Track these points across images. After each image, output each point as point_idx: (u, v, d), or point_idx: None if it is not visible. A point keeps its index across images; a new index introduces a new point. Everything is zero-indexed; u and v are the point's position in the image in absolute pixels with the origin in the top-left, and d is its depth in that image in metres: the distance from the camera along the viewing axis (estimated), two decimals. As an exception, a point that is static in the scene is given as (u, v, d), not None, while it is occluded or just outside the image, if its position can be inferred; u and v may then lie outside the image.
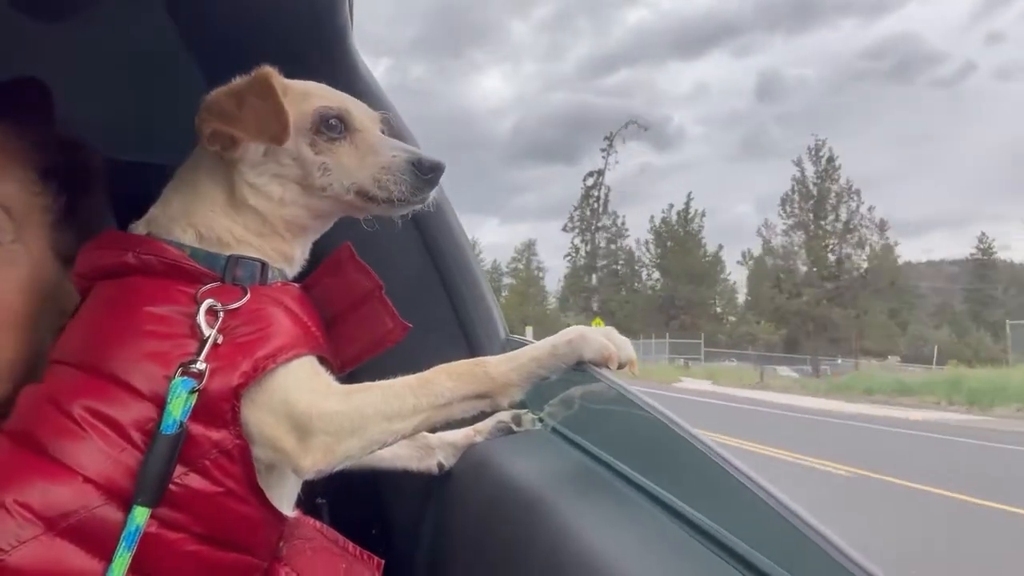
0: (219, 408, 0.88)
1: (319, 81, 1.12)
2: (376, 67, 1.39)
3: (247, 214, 1.03)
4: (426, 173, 1.05)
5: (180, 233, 1.01)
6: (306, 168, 1.04)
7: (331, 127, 1.04)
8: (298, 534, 1.07)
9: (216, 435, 0.88)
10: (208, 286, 0.96)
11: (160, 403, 0.86)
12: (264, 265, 1.02)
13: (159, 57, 1.38)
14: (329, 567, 1.07)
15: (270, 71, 1.01)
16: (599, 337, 0.99)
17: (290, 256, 1.08)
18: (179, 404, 0.85)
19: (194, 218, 1.02)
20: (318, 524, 1.13)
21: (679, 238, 51.92)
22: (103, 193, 1.19)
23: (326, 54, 1.34)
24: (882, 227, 45.98)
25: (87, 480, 0.83)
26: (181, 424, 0.85)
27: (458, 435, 1.26)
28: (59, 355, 0.95)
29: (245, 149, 1.02)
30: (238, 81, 1.01)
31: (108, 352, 0.90)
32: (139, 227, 1.04)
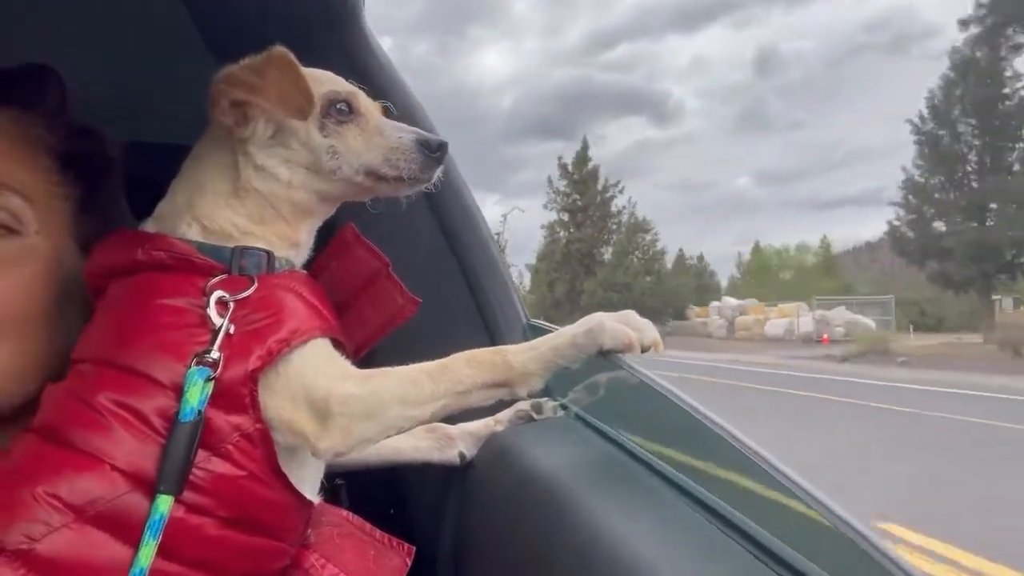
0: (237, 394, 0.88)
1: (332, 58, 1.10)
2: (379, 42, 1.38)
3: (250, 201, 1.02)
4: (433, 151, 1.07)
5: (185, 228, 1.01)
6: (315, 152, 1.03)
7: (339, 111, 1.05)
8: (326, 521, 1.07)
9: (236, 419, 0.88)
10: (216, 278, 0.95)
11: (179, 392, 0.86)
12: (270, 255, 1.01)
13: (168, 35, 1.34)
14: (358, 554, 1.06)
15: (286, 50, 0.99)
16: (618, 325, 0.98)
17: (295, 241, 1.06)
18: (196, 392, 0.85)
19: (197, 211, 1.01)
20: (344, 511, 1.12)
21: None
22: (120, 179, 1.16)
23: (338, 32, 1.30)
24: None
25: (114, 468, 0.83)
26: (199, 412, 0.85)
27: (478, 425, 1.25)
28: (79, 354, 0.95)
29: (255, 128, 1.01)
30: (254, 58, 0.99)
31: (126, 346, 0.90)
32: (148, 224, 1.04)
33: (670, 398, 0.94)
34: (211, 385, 0.86)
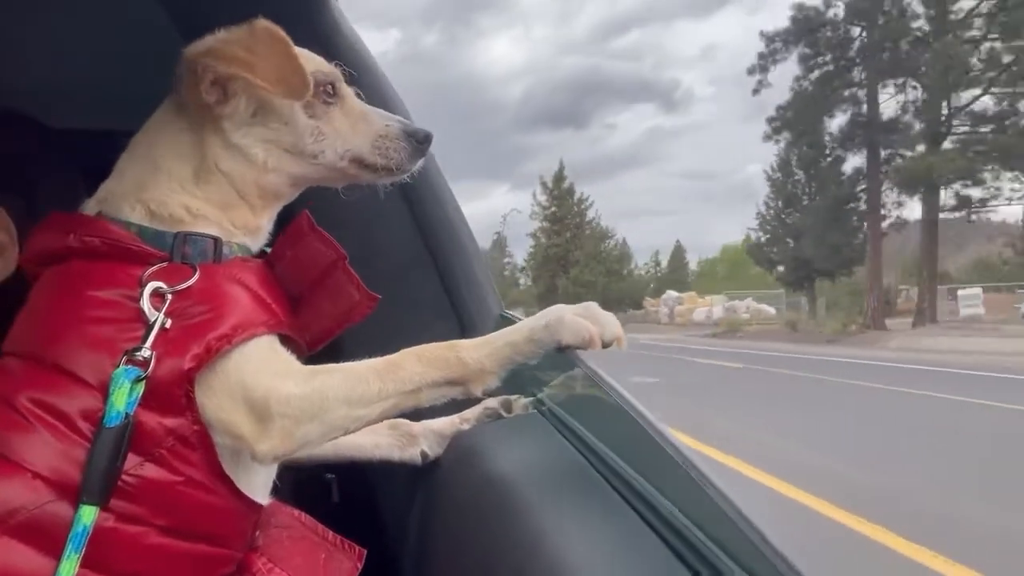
0: (171, 394, 0.82)
1: (304, 43, 1.03)
2: (386, 38, 1.33)
3: (213, 184, 0.96)
4: (420, 142, 1.03)
5: (129, 210, 0.94)
6: (297, 133, 0.98)
7: (325, 92, 1.00)
8: (275, 522, 1.02)
9: (171, 422, 0.83)
10: (154, 267, 0.89)
11: (107, 393, 0.81)
12: (217, 241, 0.94)
13: (136, 20, 1.31)
14: (308, 557, 1.01)
15: (273, 24, 0.94)
16: (578, 319, 0.90)
17: (255, 227, 1.01)
18: (122, 395, 0.80)
19: (145, 193, 0.95)
20: (296, 512, 1.06)
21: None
22: (47, 169, 1.12)
23: (309, 15, 1.27)
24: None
25: (36, 476, 0.78)
26: (126, 416, 0.80)
27: (444, 423, 1.18)
28: (8, 346, 0.91)
29: (236, 106, 0.95)
30: (234, 31, 0.93)
31: (52, 341, 0.85)
32: (90, 205, 0.98)
33: (618, 402, 0.89)
34: (141, 386, 0.81)
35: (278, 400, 0.85)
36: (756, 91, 30.04)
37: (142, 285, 0.87)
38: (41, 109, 1.22)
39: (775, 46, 28.99)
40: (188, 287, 0.88)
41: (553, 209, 56.54)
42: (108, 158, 1.02)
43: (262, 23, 0.93)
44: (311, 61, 1.01)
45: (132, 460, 0.81)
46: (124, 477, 0.80)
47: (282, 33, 0.93)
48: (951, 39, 24.51)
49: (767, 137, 31.23)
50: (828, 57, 28.54)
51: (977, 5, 24.76)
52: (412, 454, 1.17)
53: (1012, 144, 23.54)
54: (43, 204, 1.12)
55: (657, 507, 0.83)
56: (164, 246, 0.92)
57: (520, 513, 0.90)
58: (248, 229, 1.00)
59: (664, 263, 69.91)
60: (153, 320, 0.84)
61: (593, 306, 0.94)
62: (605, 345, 0.91)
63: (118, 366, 0.81)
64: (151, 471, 0.82)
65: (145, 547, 0.82)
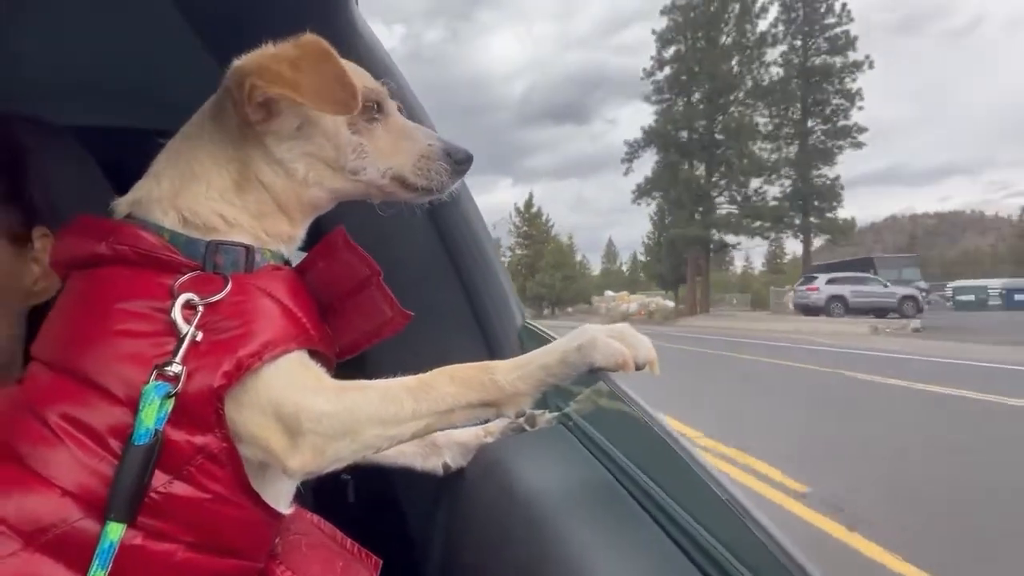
0: (201, 412, 0.80)
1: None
2: (391, 35, 1.30)
3: (252, 194, 0.94)
4: (459, 163, 1.02)
5: (161, 215, 0.91)
6: (340, 149, 0.96)
7: (369, 109, 0.98)
8: (294, 529, 1.02)
9: (200, 440, 0.81)
10: (185, 277, 0.87)
11: (136, 409, 0.79)
12: (249, 250, 0.92)
13: (153, 20, 1.27)
14: (326, 565, 1.01)
15: (320, 39, 0.91)
16: (612, 342, 0.89)
17: (289, 237, 0.99)
18: (152, 412, 0.78)
19: (180, 200, 0.92)
20: (315, 518, 1.06)
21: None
22: (58, 164, 1.09)
23: (330, 20, 1.25)
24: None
25: (65, 493, 0.77)
26: (156, 433, 0.78)
27: (467, 434, 1.17)
28: (37, 351, 0.89)
29: (280, 123, 0.93)
30: (282, 47, 0.90)
31: (82, 352, 0.83)
32: (121, 206, 0.95)
33: (648, 422, 0.89)
34: (171, 403, 0.79)
35: (309, 417, 0.84)
36: (626, 173, 47.95)
37: (173, 296, 0.85)
38: (52, 107, 1.20)
39: (636, 146, 47.29)
40: (219, 299, 0.86)
41: (524, 228, 74.13)
42: (123, 153, 1.01)
43: (309, 38, 0.91)
44: (358, 76, 0.98)
45: (160, 478, 0.80)
46: (152, 494, 0.79)
47: (329, 48, 0.90)
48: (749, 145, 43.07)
49: (634, 199, 47.97)
50: (672, 152, 45.40)
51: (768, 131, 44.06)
52: (434, 464, 1.17)
53: (761, 211, 42.85)
54: (63, 198, 1.10)
55: (688, 529, 0.82)
56: (196, 254, 0.90)
57: (549, 529, 0.90)
58: (282, 238, 0.99)
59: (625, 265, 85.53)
60: (184, 333, 0.82)
61: (627, 328, 0.93)
62: (638, 368, 0.90)
63: (148, 381, 0.80)
64: (179, 488, 0.81)
65: (174, 564, 0.81)
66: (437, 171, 1.01)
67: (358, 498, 1.22)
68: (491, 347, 1.26)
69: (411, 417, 0.88)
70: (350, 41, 1.25)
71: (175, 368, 0.80)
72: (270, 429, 0.84)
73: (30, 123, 1.10)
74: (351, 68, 0.96)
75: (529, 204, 78.12)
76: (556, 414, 1.14)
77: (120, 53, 1.36)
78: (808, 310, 31.28)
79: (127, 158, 1.01)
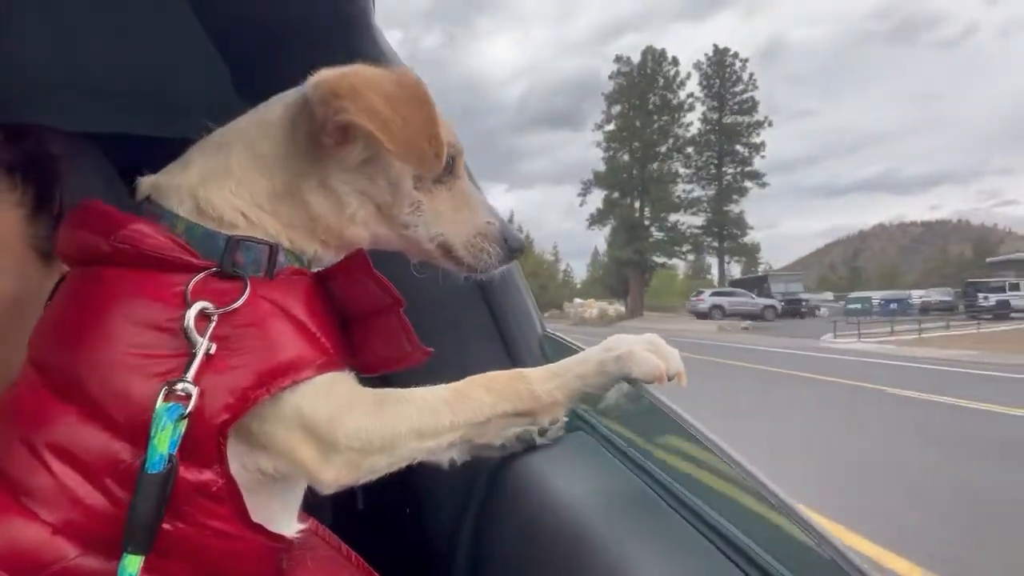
0: (203, 445, 0.62)
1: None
2: (390, 39, 1.08)
3: (289, 206, 0.72)
4: (513, 251, 0.82)
5: (177, 203, 0.71)
6: (397, 199, 0.75)
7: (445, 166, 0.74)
8: (299, 543, 0.81)
9: (200, 477, 0.63)
10: (198, 277, 0.66)
11: (136, 433, 0.61)
12: (273, 249, 0.71)
13: (173, 32, 1.07)
14: None
15: (421, 81, 0.70)
16: (649, 355, 0.75)
17: (315, 258, 0.77)
18: (165, 437, 0.60)
19: (201, 190, 0.71)
20: (321, 530, 0.87)
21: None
22: (86, 174, 0.89)
23: (348, 34, 1.06)
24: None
25: (56, 531, 0.60)
26: (170, 458, 0.60)
27: None
28: (32, 349, 0.70)
29: (349, 152, 0.72)
30: (381, 77, 0.69)
31: (79, 361, 0.64)
32: (143, 186, 0.74)
33: (686, 428, 0.74)
34: (183, 425, 0.60)
35: (347, 433, 0.66)
36: (581, 204, 51.28)
37: (188, 303, 0.65)
38: (67, 114, 0.97)
39: (588, 184, 50.44)
40: (235, 308, 0.66)
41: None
42: (136, 160, 0.78)
43: (412, 78, 0.70)
44: (444, 128, 0.75)
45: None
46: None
47: (429, 94, 0.70)
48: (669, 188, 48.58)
49: (588, 226, 50.43)
50: (616, 192, 49.12)
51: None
52: (440, 458, 0.96)
53: (684, 239, 48.43)
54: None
55: (729, 534, 0.68)
56: (213, 250, 0.69)
57: (587, 541, 0.73)
58: (307, 256, 0.76)
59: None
60: (198, 346, 0.63)
61: (658, 340, 0.77)
62: (668, 379, 0.76)
63: (157, 402, 0.61)
64: (177, 527, 0.63)
65: None
66: (489, 253, 0.80)
67: (375, 511, 1.00)
68: (513, 355, 1.08)
69: (448, 429, 0.71)
70: (368, 54, 1.05)
71: (187, 387, 0.61)
72: (298, 442, 0.67)
73: (59, 132, 0.90)
74: (440, 118, 0.74)
75: (511, 220, 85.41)
76: (565, 422, 0.95)
77: (135, 58, 1.15)
78: (699, 315, 36.76)
79: (141, 165, 0.80)
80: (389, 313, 0.74)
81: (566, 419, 0.96)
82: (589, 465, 0.88)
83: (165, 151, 0.76)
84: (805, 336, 23.71)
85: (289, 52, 1.00)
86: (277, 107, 0.76)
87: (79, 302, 0.69)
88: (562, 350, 0.94)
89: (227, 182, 0.72)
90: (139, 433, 0.60)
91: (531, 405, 0.74)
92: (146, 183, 0.74)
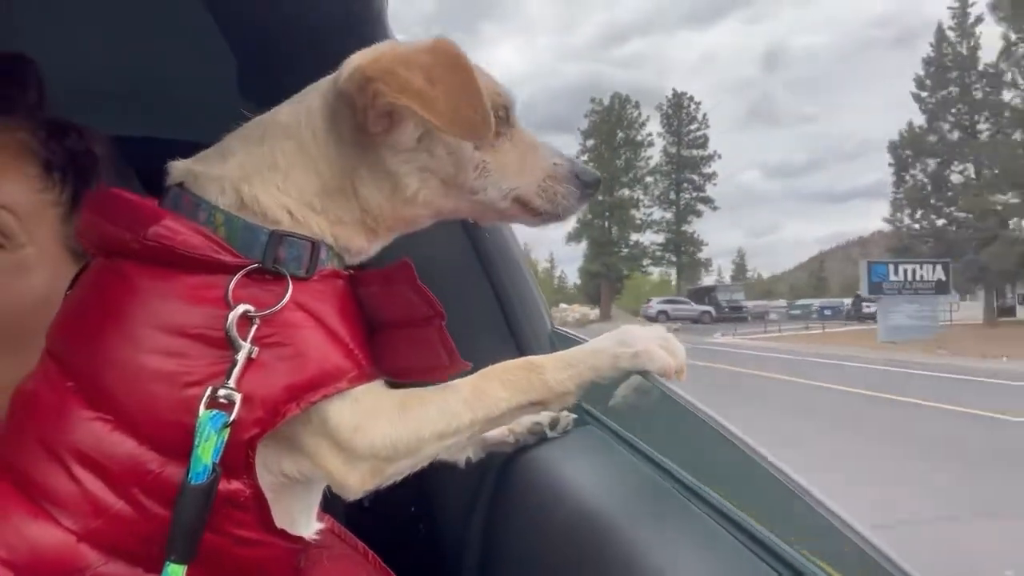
0: (233, 454, 0.53)
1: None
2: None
3: (340, 201, 0.61)
4: (588, 186, 0.69)
5: (217, 194, 0.58)
6: (461, 166, 0.63)
7: (498, 120, 0.62)
8: (315, 542, 0.70)
9: (228, 487, 0.54)
10: (239, 275, 0.55)
11: (165, 443, 0.53)
12: (315, 246, 0.59)
13: (186, 32, 0.94)
14: None
15: (454, 44, 0.58)
16: (663, 353, 0.64)
17: (359, 251, 0.65)
18: (209, 447, 0.51)
19: (245, 184, 0.59)
20: (337, 528, 0.76)
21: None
22: (114, 176, 0.77)
23: (361, 35, 0.93)
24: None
25: (81, 539, 0.52)
26: (214, 467, 0.52)
27: (493, 433, 0.82)
28: (50, 342, 0.59)
29: (401, 133, 0.60)
30: (415, 49, 0.58)
31: (102, 368, 0.54)
32: (176, 171, 0.61)
33: (706, 420, 0.64)
34: (226, 433, 0.52)
35: (372, 442, 0.57)
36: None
37: (229, 304, 0.54)
38: (67, 114, 0.83)
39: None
40: (275, 311, 0.55)
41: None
42: (158, 163, 0.65)
43: (445, 44, 0.58)
44: (486, 82, 0.63)
45: None
46: None
47: (467, 59, 0.58)
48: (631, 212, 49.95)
49: (566, 242, 51.28)
50: (589, 214, 46.63)
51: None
52: (457, 457, 0.82)
53: (645, 255, 50.74)
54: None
55: (748, 526, 0.59)
56: (254, 244, 0.57)
57: (602, 533, 0.63)
58: (351, 251, 0.64)
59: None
60: (241, 350, 0.53)
61: (668, 335, 0.66)
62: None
63: (200, 410, 0.52)
64: (205, 535, 0.54)
65: None
66: (564, 194, 0.67)
67: (385, 508, 0.86)
68: (522, 350, 0.94)
69: (468, 427, 0.62)
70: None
71: (229, 393, 0.53)
72: (323, 449, 0.58)
73: (99, 132, 0.78)
74: (481, 70, 0.62)
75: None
76: (576, 416, 0.83)
77: (135, 59, 1.02)
78: (649, 319, 38.11)
79: (140, 167, 0.68)
80: (427, 324, 0.62)
81: (575, 416, 0.84)
82: (599, 458, 0.77)
83: (165, 152, 0.63)
84: (707, 335, 26.80)
85: (299, 52, 0.87)
86: (315, 98, 0.63)
87: (102, 298, 0.58)
88: (571, 346, 0.82)
89: (273, 177, 0.60)
90: (168, 443, 0.53)
91: (544, 395, 0.63)
92: (179, 168, 0.62)
